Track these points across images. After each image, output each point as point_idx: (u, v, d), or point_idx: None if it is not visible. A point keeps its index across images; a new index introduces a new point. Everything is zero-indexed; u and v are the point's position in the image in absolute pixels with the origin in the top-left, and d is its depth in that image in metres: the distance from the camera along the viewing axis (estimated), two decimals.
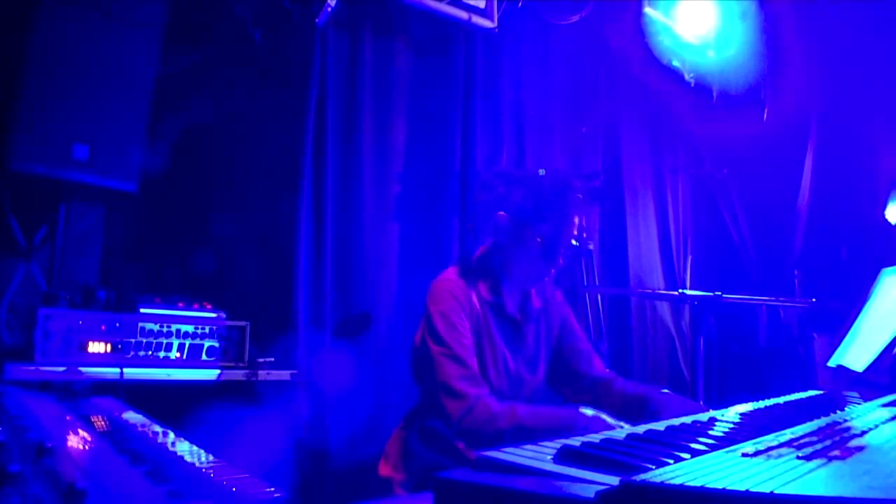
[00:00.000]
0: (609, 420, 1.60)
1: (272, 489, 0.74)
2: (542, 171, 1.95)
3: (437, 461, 1.83)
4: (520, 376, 1.93)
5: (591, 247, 3.32)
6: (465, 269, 1.93)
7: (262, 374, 2.32)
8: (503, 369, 1.88)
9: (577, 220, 1.92)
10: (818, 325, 3.84)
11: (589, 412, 1.61)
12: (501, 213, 1.90)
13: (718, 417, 1.19)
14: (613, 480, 0.69)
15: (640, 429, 1.06)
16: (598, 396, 1.96)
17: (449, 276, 1.90)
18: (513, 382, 1.91)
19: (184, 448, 0.95)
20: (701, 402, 2.24)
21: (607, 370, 2.08)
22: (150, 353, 2.13)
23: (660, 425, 1.09)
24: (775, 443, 0.84)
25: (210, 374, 2.22)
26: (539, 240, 1.87)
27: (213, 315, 2.29)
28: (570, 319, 2.10)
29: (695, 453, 0.82)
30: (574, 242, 1.95)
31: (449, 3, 3.04)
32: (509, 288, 1.96)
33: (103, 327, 2.06)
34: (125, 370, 2.02)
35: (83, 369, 1.95)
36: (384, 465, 1.95)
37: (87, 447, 0.89)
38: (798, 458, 0.75)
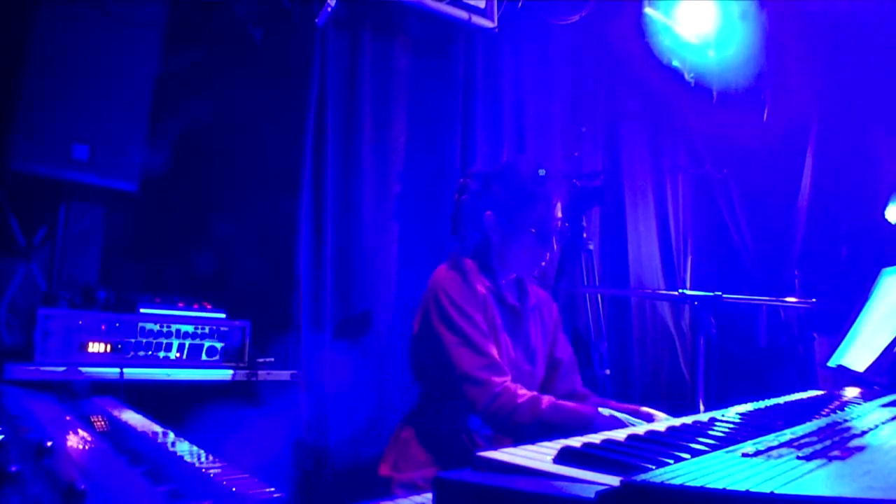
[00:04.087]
0: (624, 419, 1.61)
1: (272, 489, 0.74)
2: (542, 172, 1.96)
3: (437, 461, 1.83)
4: (518, 365, 1.93)
5: (591, 247, 3.32)
6: (457, 263, 1.93)
7: (262, 374, 2.32)
8: (505, 356, 1.89)
9: (558, 202, 1.98)
10: (818, 325, 3.84)
11: (606, 412, 1.63)
12: (488, 212, 1.95)
13: (718, 417, 1.19)
14: (614, 480, 0.69)
15: (641, 429, 1.06)
16: None
17: (449, 268, 1.92)
18: (512, 371, 1.90)
19: (184, 448, 0.95)
20: (700, 403, 2.25)
21: (584, 388, 2.11)
22: (150, 353, 2.13)
23: (660, 426, 1.09)
24: (775, 443, 0.84)
25: (210, 374, 2.22)
26: (532, 229, 1.92)
27: (213, 315, 2.29)
28: (561, 328, 2.15)
29: (695, 453, 0.82)
30: (560, 223, 2.00)
31: (449, 3, 3.04)
32: (506, 281, 2.00)
33: (103, 327, 2.06)
34: (125, 370, 2.02)
35: (83, 369, 1.95)
36: (384, 464, 1.95)
37: (87, 447, 0.89)
38: (798, 458, 0.75)
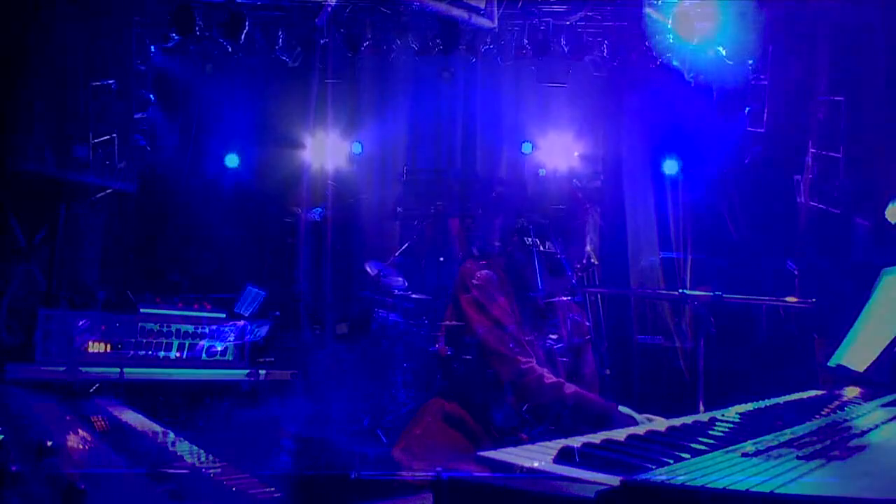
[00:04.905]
0: (640, 419, 1.63)
1: (272, 489, 0.74)
2: (542, 171, 1.97)
3: (452, 447, 1.83)
4: (539, 361, 1.94)
5: (591, 248, 3.31)
6: (483, 258, 1.95)
7: (262, 374, 2.32)
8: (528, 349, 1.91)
9: (588, 237, 1.98)
10: (818, 325, 3.83)
11: (624, 410, 1.67)
12: (515, 237, 1.96)
13: (718, 417, 1.19)
14: (614, 480, 0.69)
15: (641, 429, 1.06)
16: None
17: (475, 261, 1.95)
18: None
19: (184, 448, 0.95)
20: (700, 403, 2.25)
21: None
22: (150, 352, 2.13)
23: (660, 426, 1.09)
24: (775, 443, 0.84)
25: (210, 374, 2.22)
26: (548, 264, 1.93)
27: (213, 315, 2.29)
28: (589, 342, 2.16)
29: (695, 453, 0.82)
30: (593, 260, 1.98)
31: (449, 3, 3.04)
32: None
33: (103, 327, 2.06)
34: (125, 370, 2.02)
35: (83, 369, 1.95)
36: (397, 448, 1.96)
37: (87, 447, 0.89)
38: (798, 457, 0.75)
